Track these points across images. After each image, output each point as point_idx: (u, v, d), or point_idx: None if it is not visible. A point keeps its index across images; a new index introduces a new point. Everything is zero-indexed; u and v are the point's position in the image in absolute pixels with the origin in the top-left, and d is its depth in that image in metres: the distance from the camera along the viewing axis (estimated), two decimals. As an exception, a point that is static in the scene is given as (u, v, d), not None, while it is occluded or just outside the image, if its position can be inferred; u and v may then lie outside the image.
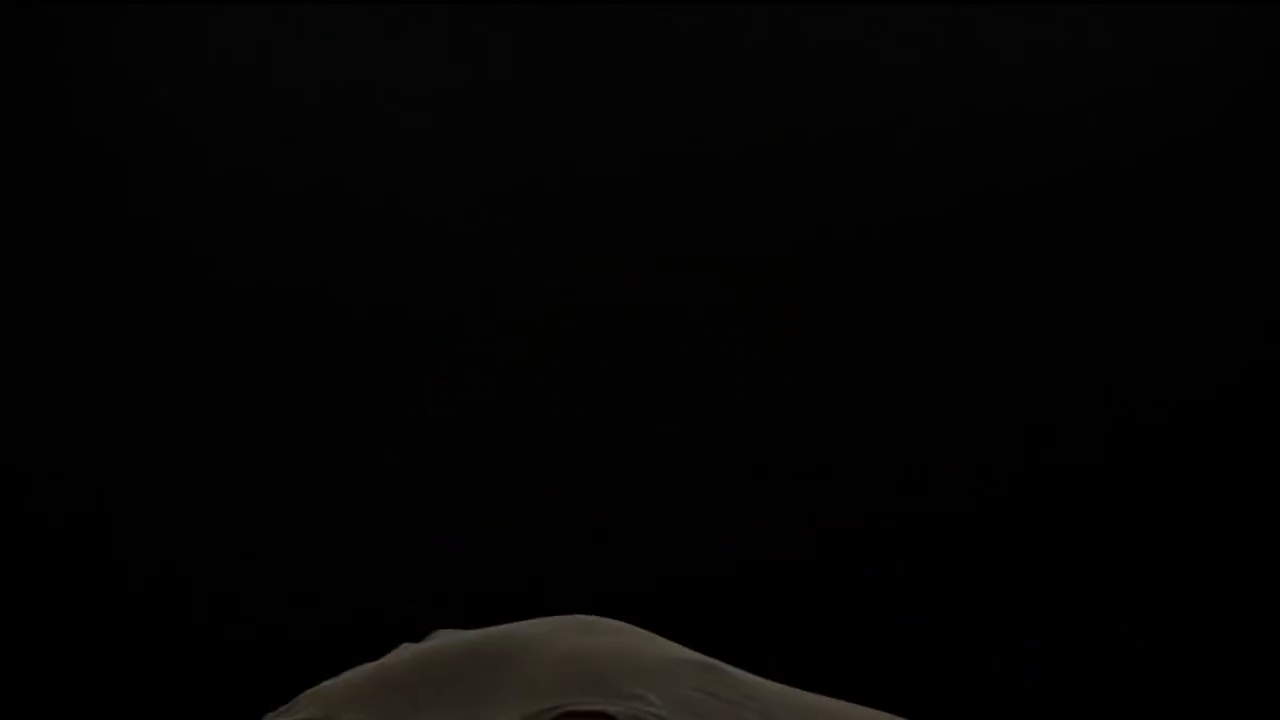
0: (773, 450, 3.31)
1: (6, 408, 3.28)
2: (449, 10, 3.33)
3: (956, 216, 3.33)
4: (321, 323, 3.30)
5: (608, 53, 3.34)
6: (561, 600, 3.28)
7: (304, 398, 3.30)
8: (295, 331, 3.31)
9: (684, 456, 3.31)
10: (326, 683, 1.71)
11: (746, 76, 3.34)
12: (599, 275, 3.33)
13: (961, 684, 3.28)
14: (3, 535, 3.27)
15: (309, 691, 1.70)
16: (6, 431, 3.28)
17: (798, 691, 1.74)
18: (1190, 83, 3.33)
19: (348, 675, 1.71)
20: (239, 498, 3.28)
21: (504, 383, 3.33)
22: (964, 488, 3.29)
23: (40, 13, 3.29)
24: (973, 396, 3.31)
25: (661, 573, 3.30)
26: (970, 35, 3.33)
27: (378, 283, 3.32)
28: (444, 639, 1.70)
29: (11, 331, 3.28)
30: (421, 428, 3.31)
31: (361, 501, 3.31)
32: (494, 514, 3.31)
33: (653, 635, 1.76)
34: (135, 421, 3.27)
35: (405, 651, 1.71)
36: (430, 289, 3.32)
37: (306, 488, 3.29)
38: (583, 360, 3.33)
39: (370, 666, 1.68)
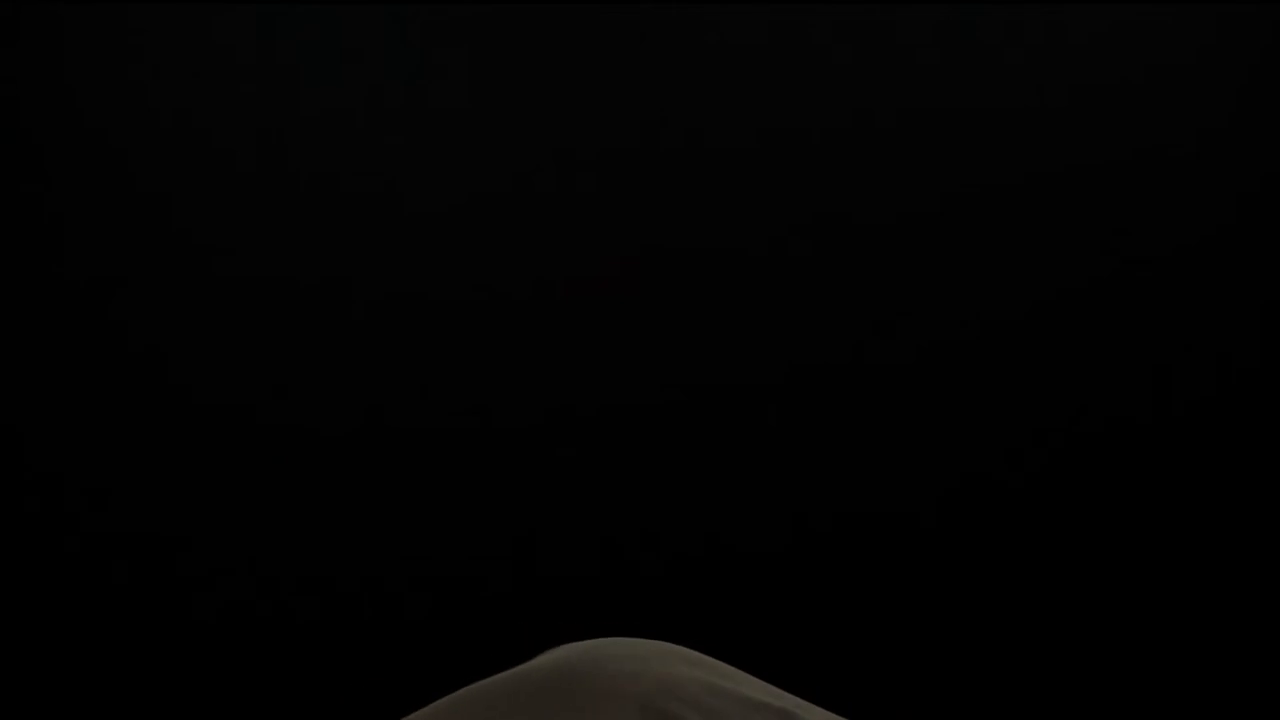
0: (767, 447, 3.31)
1: (9, 405, 3.28)
2: (457, 9, 3.33)
3: (953, 213, 3.33)
4: (324, 316, 3.30)
5: (602, 49, 3.34)
6: (565, 600, 3.28)
7: (305, 391, 3.30)
8: (296, 325, 3.30)
9: (680, 452, 3.31)
10: (414, 713, 1.68)
11: (740, 74, 3.34)
12: (594, 274, 3.33)
13: (959, 686, 3.28)
14: (4, 535, 3.27)
15: None
16: (9, 430, 3.28)
17: None
18: (1189, 83, 3.33)
19: (427, 708, 1.67)
20: (239, 492, 3.28)
21: (495, 378, 3.32)
22: (963, 486, 3.29)
23: (41, 11, 3.29)
24: (970, 393, 3.31)
25: (658, 570, 3.30)
26: (966, 34, 3.33)
27: (380, 277, 3.32)
28: (527, 665, 1.64)
29: (14, 331, 3.29)
30: (421, 425, 3.31)
31: (361, 498, 3.31)
32: (494, 512, 3.31)
33: (733, 670, 1.70)
34: (137, 415, 3.28)
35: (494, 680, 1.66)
36: (430, 282, 3.32)
37: (307, 483, 3.29)
38: (582, 359, 3.33)
39: (454, 695, 1.63)
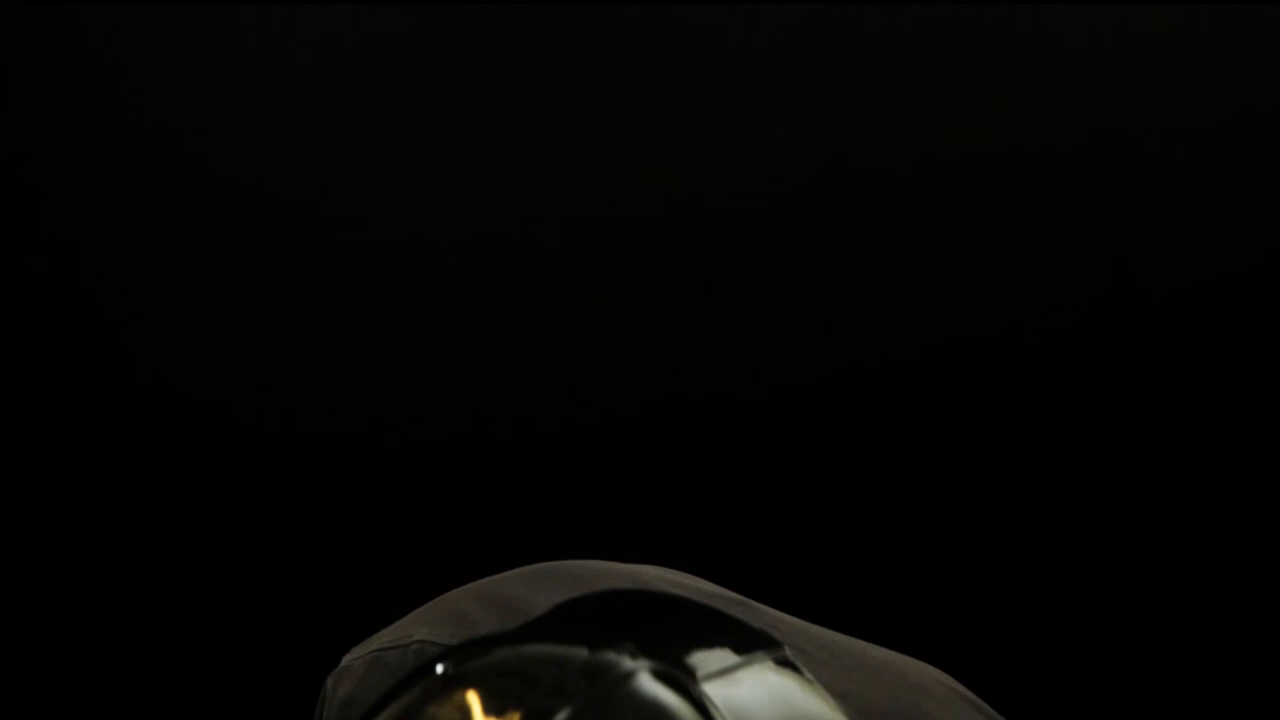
0: (769, 447, 3.31)
1: (8, 407, 3.29)
2: (457, 11, 3.34)
3: (955, 214, 3.33)
4: (320, 319, 3.31)
5: (611, 51, 3.35)
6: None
7: (305, 392, 3.30)
8: (298, 325, 3.31)
9: (683, 454, 3.32)
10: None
11: (750, 76, 3.35)
12: (594, 272, 3.33)
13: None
14: (5, 536, 3.27)
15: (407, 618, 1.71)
16: (8, 432, 3.29)
17: (820, 628, 1.78)
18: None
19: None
20: (237, 492, 3.28)
21: (500, 378, 3.33)
22: (965, 487, 3.29)
23: (40, 12, 3.30)
24: (977, 392, 3.31)
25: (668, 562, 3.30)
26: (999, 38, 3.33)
27: (378, 281, 3.32)
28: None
29: (7, 334, 3.29)
30: (420, 425, 3.31)
31: (360, 499, 3.31)
32: (501, 509, 3.31)
33: (700, 580, 1.80)
34: (136, 416, 3.28)
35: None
36: (429, 287, 3.33)
37: (307, 483, 3.29)
38: (579, 357, 3.33)
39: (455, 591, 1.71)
